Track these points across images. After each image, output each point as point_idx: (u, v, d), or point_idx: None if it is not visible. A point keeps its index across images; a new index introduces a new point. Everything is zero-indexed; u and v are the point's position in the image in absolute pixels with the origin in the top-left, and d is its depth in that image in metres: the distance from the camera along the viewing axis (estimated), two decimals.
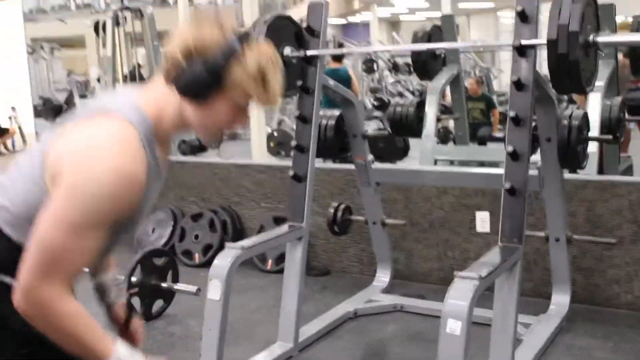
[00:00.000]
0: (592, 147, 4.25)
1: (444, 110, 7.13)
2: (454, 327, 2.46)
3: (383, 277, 4.20)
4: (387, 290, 4.14)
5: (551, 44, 2.79)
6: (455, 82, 5.76)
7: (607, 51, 4.83)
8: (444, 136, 7.57)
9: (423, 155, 5.38)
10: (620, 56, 5.10)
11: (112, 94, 1.83)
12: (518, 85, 2.93)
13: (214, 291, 2.95)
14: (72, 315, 1.42)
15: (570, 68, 2.80)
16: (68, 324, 1.41)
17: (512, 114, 2.92)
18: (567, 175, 3.86)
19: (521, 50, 2.94)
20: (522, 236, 2.87)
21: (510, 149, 2.91)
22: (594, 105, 4.34)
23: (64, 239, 1.38)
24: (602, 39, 2.93)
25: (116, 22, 7.23)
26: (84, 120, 1.47)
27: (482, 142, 6.65)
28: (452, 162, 6.02)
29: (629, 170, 5.30)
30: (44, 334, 1.41)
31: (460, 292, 2.50)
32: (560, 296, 3.75)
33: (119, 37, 7.42)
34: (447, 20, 5.67)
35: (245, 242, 3.13)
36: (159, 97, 1.51)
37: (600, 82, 4.54)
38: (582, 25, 2.78)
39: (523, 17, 2.96)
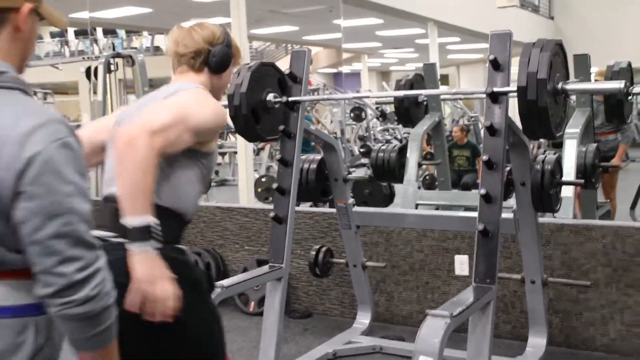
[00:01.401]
0: (568, 192, 4.36)
1: (429, 156, 7.25)
2: None
3: (363, 319, 4.24)
4: (367, 332, 4.18)
5: (521, 91, 2.91)
6: (437, 128, 5.89)
7: (583, 99, 5.00)
8: (429, 183, 7.68)
9: (405, 200, 5.47)
10: None
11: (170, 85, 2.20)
12: (491, 130, 3.03)
13: None
14: (146, 166, 1.75)
15: (540, 114, 2.91)
16: (140, 168, 1.74)
17: (485, 158, 3.02)
18: (543, 219, 3.95)
19: (494, 97, 3.05)
20: (495, 276, 2.94)
21: (483, 191, 3.01)
22: (570, 151, 4.46)
23: (179, 123, 1.88)
24: (570, 86, 3.06)
25: (108, 69, 7.35)
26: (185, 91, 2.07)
27: (465, 188, 6.76)
28: (437, 208, 6.11)
29: (607, 216, 5.40)
30: (119, 161, 1.78)
31: (432, 329, 2.56)
32: (536, 338, 3.80)
33: (110, 83, 7.54)
34: (429, 68, 5.83)
35: (225, 282, 3.19)
36: (197, 80, 2.15)
37: (576, 129, 4.69)
38: (550, 73, 2.90)
39: (496, 65, 3.08)
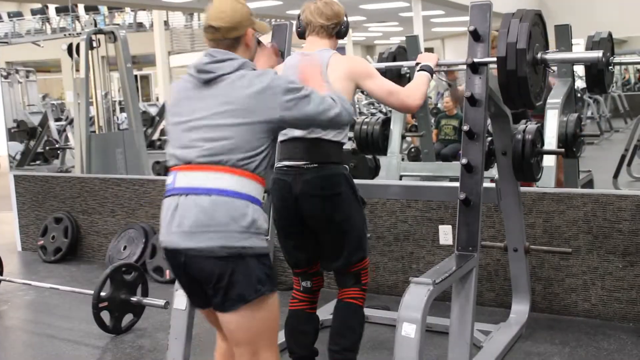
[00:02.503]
0: (549, 161, 4.41)
1: (414, 129, 7.27)
2: (408, 330, 2.57)
3: None
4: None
5: (501, 61, 2.94)
6: None
7: (565, 70, 5.03)
8: (415, 155, 7.71)
9: (389, 172, 5.50)
10: None
11: (316, 52, 2.93)
12: (472, 100, 3.06)
13: (180, 301, 3.03)
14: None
15: (520, 83, 2.95)
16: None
17: (466, 128, 3.05)
18: (525, 187, 4.01)
19: (474, 68, 3.07)
20: (476, 245, 2.99)
21: (464, 161, 3.04)
22: (552, 121, 4.50)
23: None
24: (549, 56, 3.09)
25: (90, 45, 7.31)
26: (336, 57, 2.92)
27: (445, 159, 6.78)
28: (421, 179, 6.14)
29: (589, 185, 5.47)
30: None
31: (415, 296, 2.61)
32: (520, 305, 3.87)
33: (92, 60, 7.50)
34: (412, 40, 5.83)
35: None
36: (329, 45, 2.99)
37: (557, 100, 4.73)
38: (529, 43, 2.93)
39: (476, 36, 3.09)
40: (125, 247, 5.30)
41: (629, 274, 3.84)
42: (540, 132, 3.65)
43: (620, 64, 4.48)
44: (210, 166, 2.22)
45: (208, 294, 2.26)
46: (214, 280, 2.19)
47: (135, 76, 25.95)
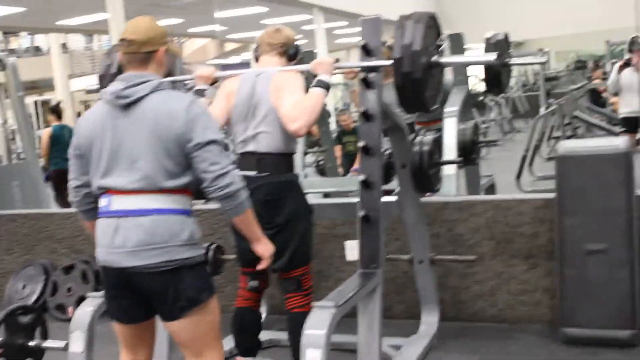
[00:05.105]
0: (451, 170, 4.45)
1: (316, 144, 7.26)
2: (312, 356, 2.50)
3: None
4: (264, 326, 4.14)
5: (396, 63, 2.89)
6: (321, 115, 5.88)
7: (461, 77, 5.10)
8: (322, 169, 7.70)
9: None
10: None
11: (261, 70, 3.28)
12: (366, 116, 3.03)
13: (76, 343, 2.88)
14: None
15: (414, 86, 2.91)
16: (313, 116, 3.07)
17: (362, 144, 3.01)
18: (428, 198, 4.02)
19: (367, 83, 3.05)
20: (379, 261, 2.96)
21: (362, 177, 3.01)
22: (450, 130, 4.54)
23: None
24: (444, 59, 3.08)
25: None
26: (280, 73, 3.19)
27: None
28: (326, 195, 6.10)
29: (491, 189, 5.55)
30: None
31: (318, 321, 2.55)
32: (429, 316, 3.87)
33: None
34: (307, 55, 5.79)
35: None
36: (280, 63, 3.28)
37: (454, 107, 4.78)
38: (424, 45, 2.89)
39: (367, 51, 3.07)
40: (24, 286, 5.05)
41: (533, 276, 3.90)
42: (438, 143, 3.67)
43: (516, 64, 4.56)
44: (144, 191, 2.40)
45: (154, 306, 2.48)
46: (163, 293, 2.42)
47: (36, 102, 25.04)
